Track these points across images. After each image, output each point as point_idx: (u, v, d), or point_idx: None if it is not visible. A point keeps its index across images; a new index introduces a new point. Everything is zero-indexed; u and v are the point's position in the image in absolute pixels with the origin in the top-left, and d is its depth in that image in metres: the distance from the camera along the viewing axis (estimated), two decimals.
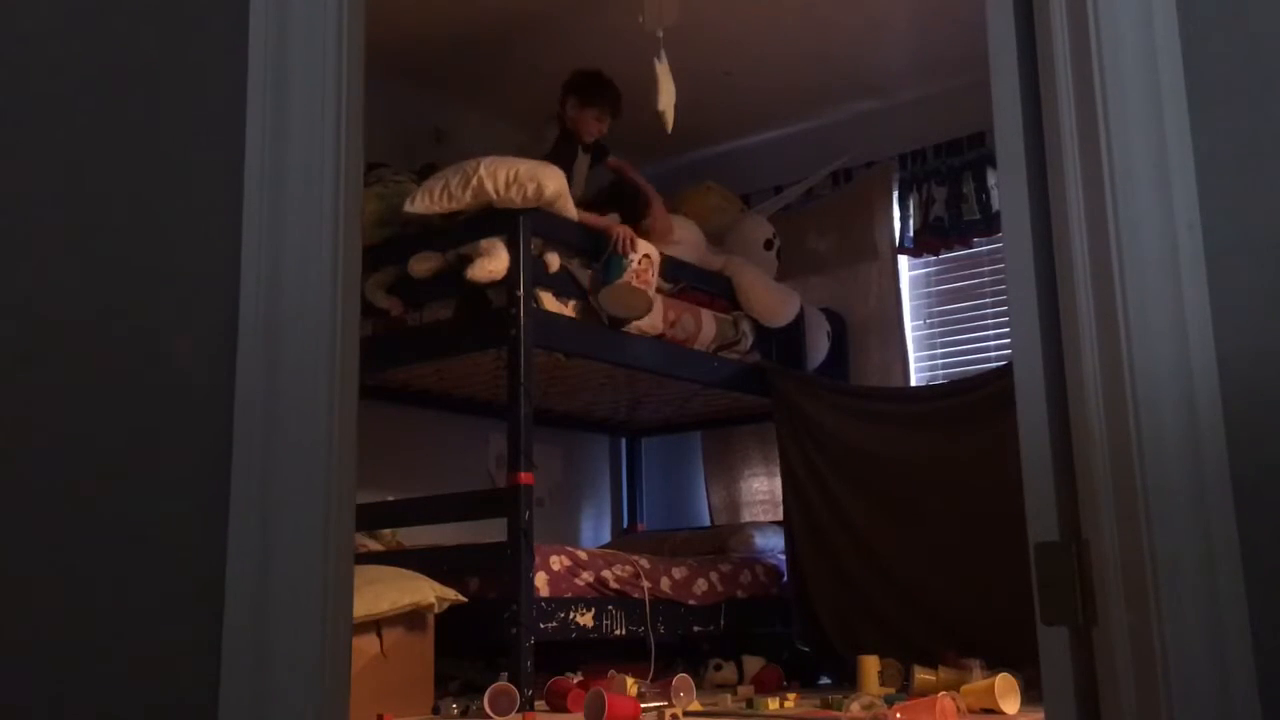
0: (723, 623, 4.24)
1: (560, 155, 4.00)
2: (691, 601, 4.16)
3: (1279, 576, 1.13)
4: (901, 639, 3.78)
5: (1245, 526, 1.14)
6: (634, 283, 3.76)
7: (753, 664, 4.09)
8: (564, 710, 3.31)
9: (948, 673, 3.44)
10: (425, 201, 3.73)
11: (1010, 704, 2.98)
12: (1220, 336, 1.18)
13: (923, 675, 3.47)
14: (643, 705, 3.06)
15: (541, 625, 3.56)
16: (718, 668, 4.09)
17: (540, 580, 3.61)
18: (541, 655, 3.56)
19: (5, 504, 1.39)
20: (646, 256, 3.85)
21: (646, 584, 3.98)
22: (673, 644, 4.24)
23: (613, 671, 3.66)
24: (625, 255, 3.80)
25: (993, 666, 3.36)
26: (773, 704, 3.25)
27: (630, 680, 3.44)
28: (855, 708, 3.14)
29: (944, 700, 2.83)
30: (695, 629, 4.16)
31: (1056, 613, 1.28)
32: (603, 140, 4.27)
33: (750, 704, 3.28)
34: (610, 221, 3.95)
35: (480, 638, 3.63)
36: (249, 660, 1.37)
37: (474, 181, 3.65)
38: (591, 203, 4.13)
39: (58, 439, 1.40)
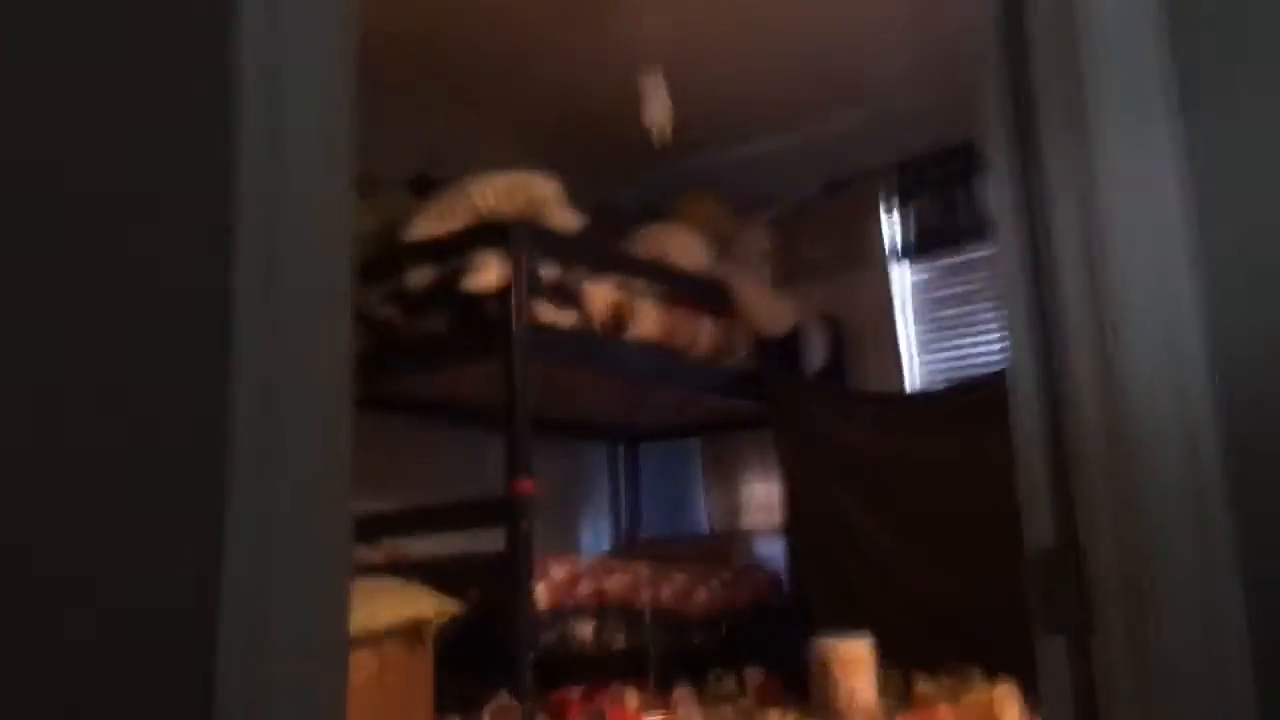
0: (724, 633, 4.22)
1: None
2: (692, 612, 4.15)
3: (1276, 581, 1.12)
4: (901, 645, 3.76)
5: (1242, 531, 1.14)
6: None
7: (754, 676, 4.08)
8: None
9: (948, 681, 3.44)
10: (424, 230, 3.76)
11: (1010, 714, 2.97)
12: (1215, 339, 1.18)
13: (923, 688, 3.46)
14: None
15: (542, 638, 3.55)
16: (718, 679, 4.07)
17: (540, 591, 3.60)
18: (542, 669, 3.54)
19: None
20: None
21: (647, 594, 3.97)
22: (674, 655, 4.23)
23: (615, 684, 3.64)
24: None
25: (993, 671, 3.35)
26: (774, 716, 3.24)
27: (632, 693, 3.43)
28: None
29: (942, 713, 2.82)
30: (696, 640, 4.15)
31: (1054, 621, 1.28)
32: None
33: (751, 718, 3.26)
34: None
35: (480, 651, 3.62)
36: (243, 681, 1.37)
37: (468, 201, 3.67)
38: None
39: (49, 440, 1.39)
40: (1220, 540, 1.15)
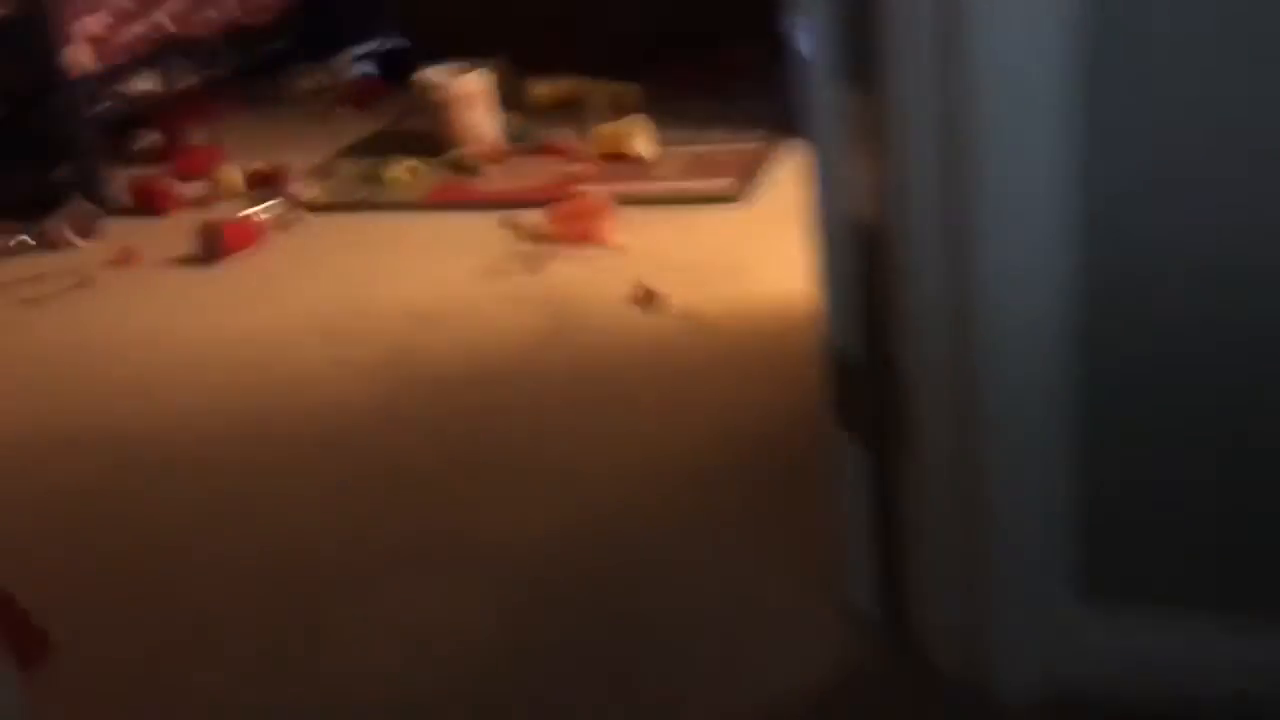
0: (297, 34, 3.72)
1: None
2: (258, 21, 3.55)
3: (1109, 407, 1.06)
4: (515, 46, 3.40)
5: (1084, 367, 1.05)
6: None
7: (345, 73, 3.72)
8: (160, 212, 2.85)
9: (567, 85, 3.27)
10: None
11: (643, 146, 2.86)
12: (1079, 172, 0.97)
13: (540, 89, 3.27)
14: (257, 211, 2.68)
15: (97, 108, 2.96)
16: (304, 77, 3.67)
17: (78, 53, 2.89)
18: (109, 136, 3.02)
19: None
20: None
21: (206, 13, 3.33)
22: (248, 73, 3.64)
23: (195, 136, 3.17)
24: None
25: (612, 79, 3.20)
26: (403, 169, 2.93)
27: (232, 170, 2.97)
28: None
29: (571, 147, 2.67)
30: (272, 48, 3.63)
31: (854, 423, 1.18)
32: None
33: (378, 178, 2.91)
34: None
35: (25, 147, 2.94)
36: None
37: None
38: None
39: None
40: (1059, 366, 1.04)
